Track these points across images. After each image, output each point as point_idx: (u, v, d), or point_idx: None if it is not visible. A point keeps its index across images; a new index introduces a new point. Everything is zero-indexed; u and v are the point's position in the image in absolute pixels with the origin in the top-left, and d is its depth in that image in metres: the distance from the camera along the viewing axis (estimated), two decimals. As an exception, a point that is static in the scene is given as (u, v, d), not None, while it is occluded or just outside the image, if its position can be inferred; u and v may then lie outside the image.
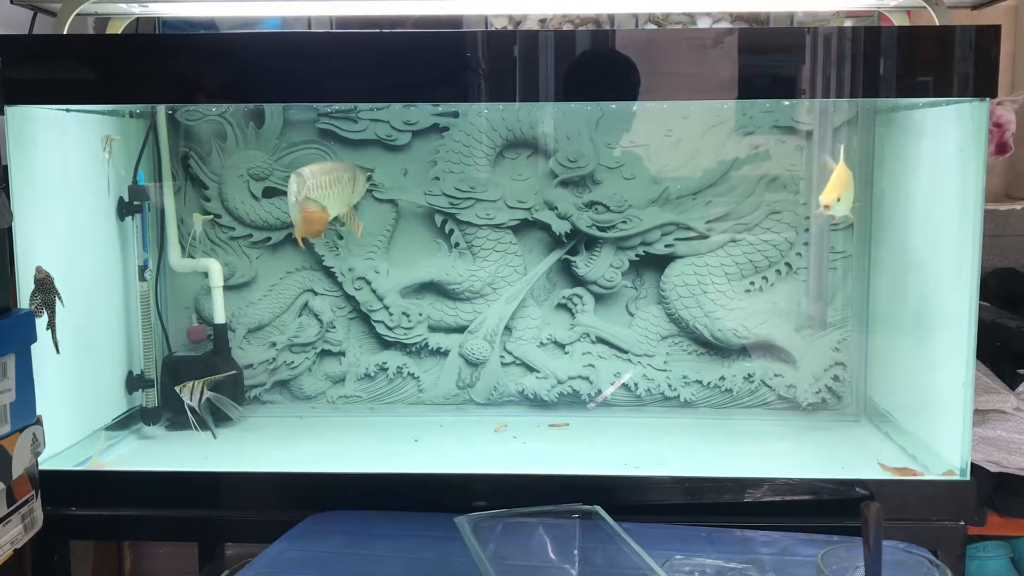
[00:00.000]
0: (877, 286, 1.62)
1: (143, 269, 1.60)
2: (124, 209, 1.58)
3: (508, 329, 1.71)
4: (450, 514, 1.20)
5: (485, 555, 1.08)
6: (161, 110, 1.61)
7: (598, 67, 1.31)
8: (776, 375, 1.67)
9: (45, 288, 1.26)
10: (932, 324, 1.40)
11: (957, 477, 1.31)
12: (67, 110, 1.43)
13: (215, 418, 1.53)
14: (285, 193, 1.66)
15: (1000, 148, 1.77)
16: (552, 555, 1.18)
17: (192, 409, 1.49)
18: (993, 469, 1.48)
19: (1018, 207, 1.85)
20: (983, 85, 1.24)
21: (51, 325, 1.27)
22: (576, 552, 1.17)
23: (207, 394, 1.50)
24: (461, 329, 1.71)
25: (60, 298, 1.27)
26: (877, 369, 1.63)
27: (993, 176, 1.93)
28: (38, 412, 1.20)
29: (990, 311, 1.64)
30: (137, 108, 1.59)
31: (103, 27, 1.55)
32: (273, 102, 1.58)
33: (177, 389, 1.52)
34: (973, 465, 1.31)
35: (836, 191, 1.42)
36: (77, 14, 1.37)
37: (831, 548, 0.90)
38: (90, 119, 1.51)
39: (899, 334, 1.54)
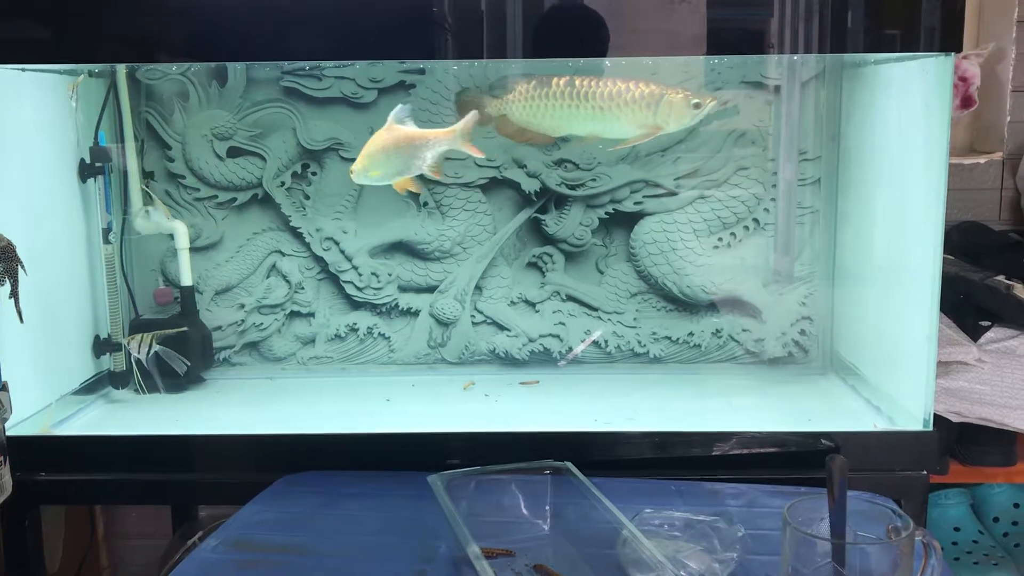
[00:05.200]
0: (843, 240, 1.63)
1: (107, 232, 1.58)
2: (86, 171, 1.55)
3: (478, 288, 1.70)
4: (423, 472, 1.20)
5: (458, 512, 1.08)
6: (121, 69, 1.58)
7: (566, 23, 1.30)
8: (744, 330, 1.69)
9: (7, 256, 1.24)
10: (897, 278, 1.42)
11: (921, 428, 1.34)
12: (22, 69, 1.40)
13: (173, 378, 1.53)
14: (250, 153, 1.65)
15: (965, 102, 1.78)
16: (524, 511, 1.19)
17: (139, 362, 1.47)
18: (955, 419, 1.51)
19: (982, 161, 1.87)
20: (949, 40, 1.25)
21: (14, 294, 1.24)
22: (548, 507, 1.18)
23: (155, 348, 1.48)
24: (431, 289, 1.70)
25: (23, 266, 1.25)
26: (843, 323, 1.65)
27: (958, 130, 1.94)
28: (4, 378, 1.19)
29: (954, 264, 1.66)
30: (96, 67, 1.56)
31: (58, -17, 1.50)
32: (235, 60, 1.55)
33: (124, 341, 1.50)
34: (936, 415, 1.34)
35: (362, 160, 1.40)
36: (31, -30, 1.34)
37: (797, 500, 0.91)
38: (47, 78, 1.47)
39: (864, 288, 1.56)
